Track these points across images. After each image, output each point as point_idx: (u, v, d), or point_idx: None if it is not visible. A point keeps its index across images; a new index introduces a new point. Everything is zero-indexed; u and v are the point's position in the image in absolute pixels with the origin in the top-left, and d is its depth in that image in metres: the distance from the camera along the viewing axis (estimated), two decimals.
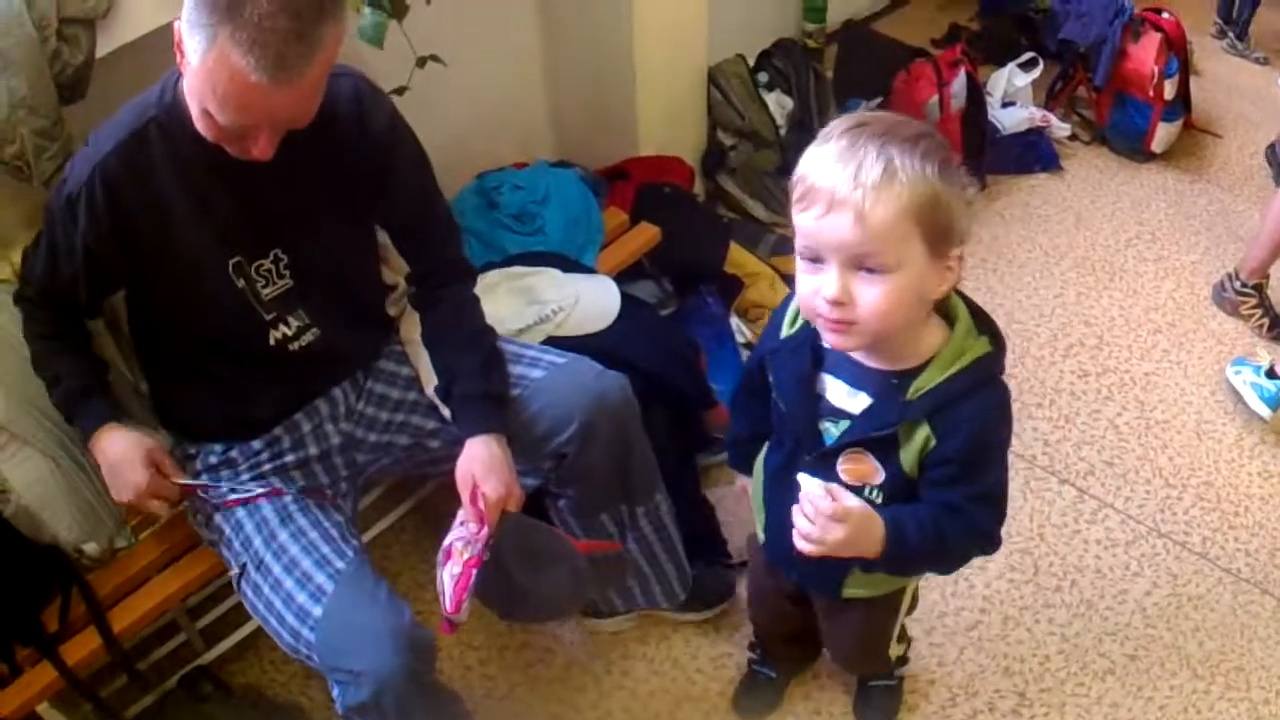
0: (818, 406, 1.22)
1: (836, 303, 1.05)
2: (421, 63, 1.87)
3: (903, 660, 1.77)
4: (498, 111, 2.53)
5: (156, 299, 1.47)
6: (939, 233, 1.04)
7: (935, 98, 2.88)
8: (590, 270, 2.13)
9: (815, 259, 1.06)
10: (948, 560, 1.29)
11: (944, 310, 1.16)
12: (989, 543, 1.23)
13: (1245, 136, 3.28)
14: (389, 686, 1.36)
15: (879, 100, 2.98)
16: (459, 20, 2.14)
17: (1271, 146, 3.13)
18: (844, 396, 1.20)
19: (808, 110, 2.84)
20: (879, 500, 1.22)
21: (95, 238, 1.37)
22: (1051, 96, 3.30)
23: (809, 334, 1.19)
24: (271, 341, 1.50)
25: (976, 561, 1.68)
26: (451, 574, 1.43)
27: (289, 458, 1.57)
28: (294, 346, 1.52)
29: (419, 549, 2.10)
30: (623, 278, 2.16)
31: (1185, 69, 3.10)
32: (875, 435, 1.18)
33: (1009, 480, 1.23)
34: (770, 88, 2.85)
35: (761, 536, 1.47)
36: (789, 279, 2.48)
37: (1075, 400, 2.43)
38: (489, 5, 2.38)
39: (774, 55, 2.90)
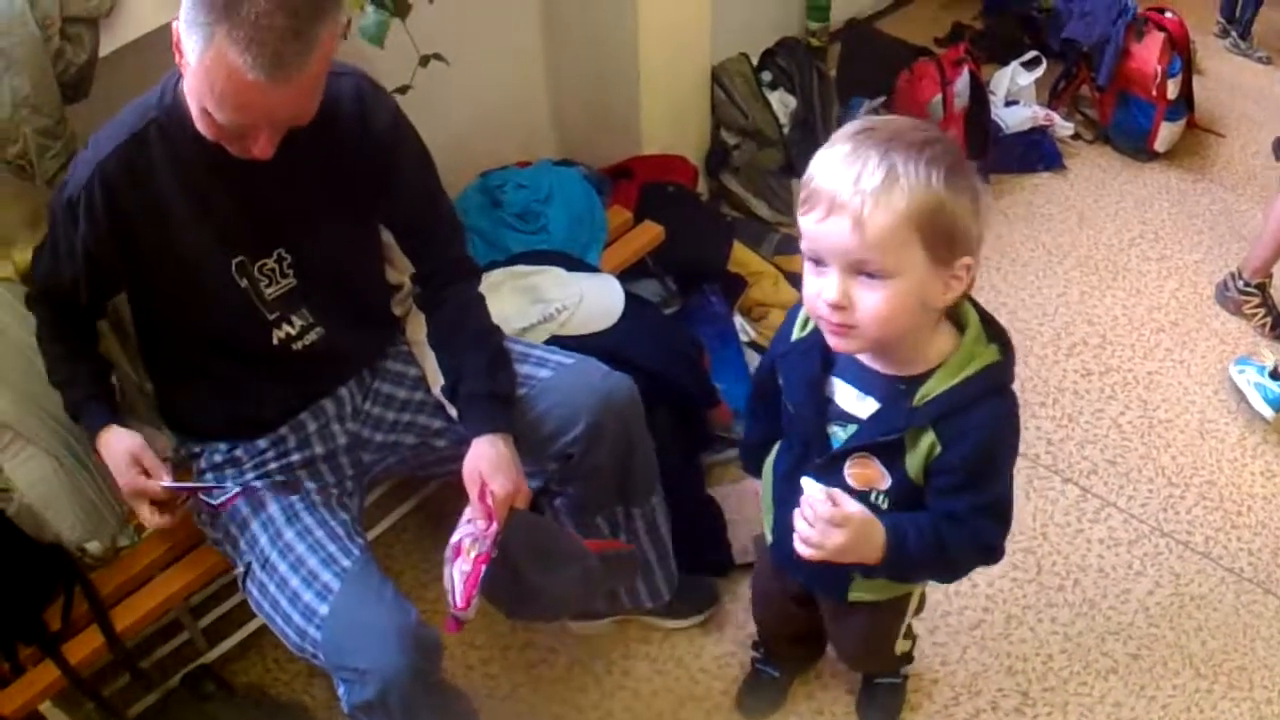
0: (826, 410, 1.21)
1: (836, 306, 1.05)
2: (424, 61, 1.87)
3: (908, 658, 1.77)
4: (501, 110, 2.52)
5: (158, 299, 1.47)
6: (941, 241, 1.02)
7: (938, 97, 2.88)
8: (594, 269, 2.13)
9: (818, 261, 1.06)
10: (949, 569, 1.28)
11: (955, 317, 1.15)
12: (992, 554, 1.22)
13: (1248, 136, 3.28)
14: (395, 685, 1.36)
15: (882, 99, 2.98)
16: (462, 19, 2.13)
17: (1278, 140, 3.13)
18: (853, 400, 1.19)
19: (811, 109, 2.84)
20: (885, 506, 1.21)
21: (95, 240, 1.37)
22: (1055, 95, 3.30)
23: (819, 337, 1.18)
24: (275, 341, 1.50)
25: None
26: (461, 570, 1.42)
27: (295, 457, 1.57)
28: (297, 346, 1.51)
29: (421, 548, 2.10)
30: (626, 276, 2.15)
31: (1188, 68, 3.10)
32: (881, 440, 1.17)
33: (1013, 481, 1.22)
34: (774, 87, 2.85)
35: (769, 538, 1.46)
36: (792, 278, 2.49)
37: (1078, 399, 2.43)
38: (492, 4, 2.37)
39: (777, 54, 2.90)
